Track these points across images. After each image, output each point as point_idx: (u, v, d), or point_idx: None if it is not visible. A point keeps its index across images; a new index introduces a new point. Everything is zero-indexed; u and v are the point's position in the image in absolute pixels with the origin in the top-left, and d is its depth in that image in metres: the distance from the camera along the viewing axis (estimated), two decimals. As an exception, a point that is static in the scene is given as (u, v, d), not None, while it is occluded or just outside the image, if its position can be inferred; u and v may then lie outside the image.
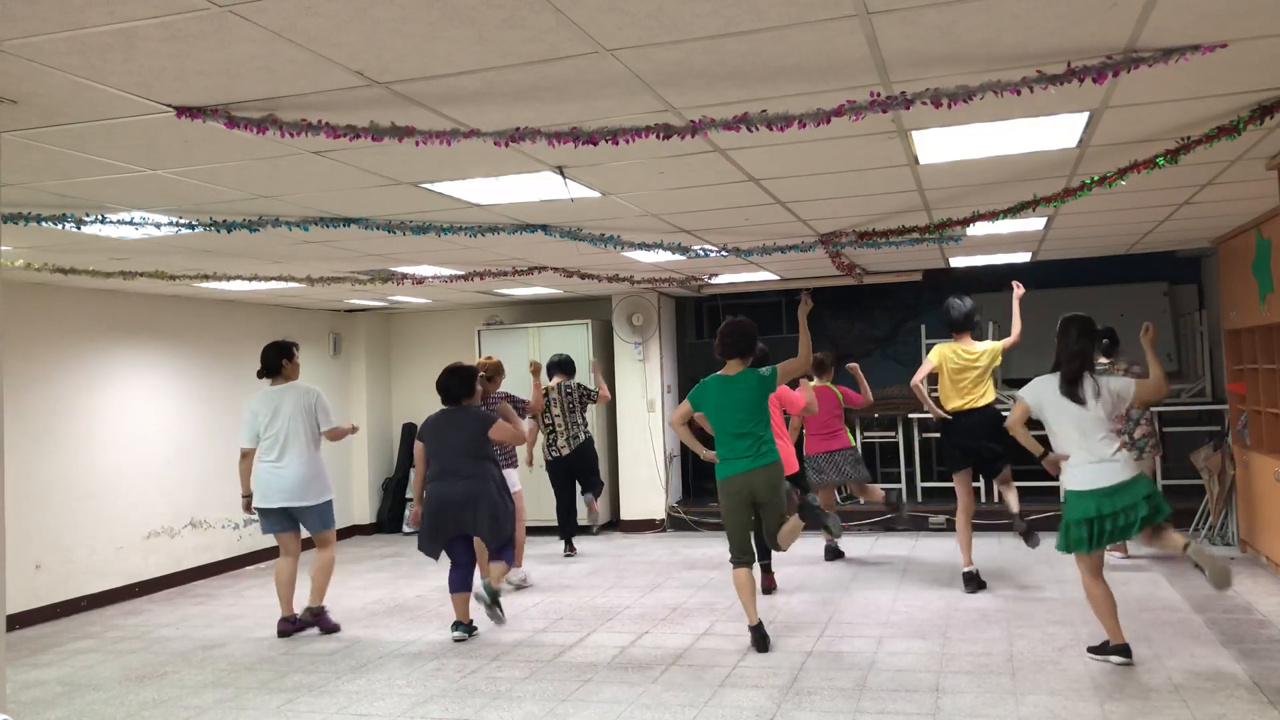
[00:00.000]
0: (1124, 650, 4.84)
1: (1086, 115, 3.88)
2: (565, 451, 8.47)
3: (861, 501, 8.52)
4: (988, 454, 6.61)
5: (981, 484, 8.92)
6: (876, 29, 2.81)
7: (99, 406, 7.69)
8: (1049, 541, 8.15)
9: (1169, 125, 4.06)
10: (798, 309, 5.61)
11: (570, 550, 8.73)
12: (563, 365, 8.67)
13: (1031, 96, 3.30)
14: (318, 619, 6.27)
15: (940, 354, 6.75)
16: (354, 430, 6.70)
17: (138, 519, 7.95)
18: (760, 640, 5.41)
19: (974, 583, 6.57)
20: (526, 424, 7.61)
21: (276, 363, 6.32)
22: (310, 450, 6.21)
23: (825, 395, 7.72)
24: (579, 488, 8.66)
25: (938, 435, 6.98)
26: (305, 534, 6.41)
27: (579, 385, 8.56)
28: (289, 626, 6.23)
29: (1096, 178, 4.91)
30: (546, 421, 8.47)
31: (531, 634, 6.00)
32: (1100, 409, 4.76)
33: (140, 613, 7.24)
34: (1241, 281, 7.23)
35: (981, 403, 6.64)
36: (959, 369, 6.65)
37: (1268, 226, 6.51)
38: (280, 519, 6.22)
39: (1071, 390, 4.79)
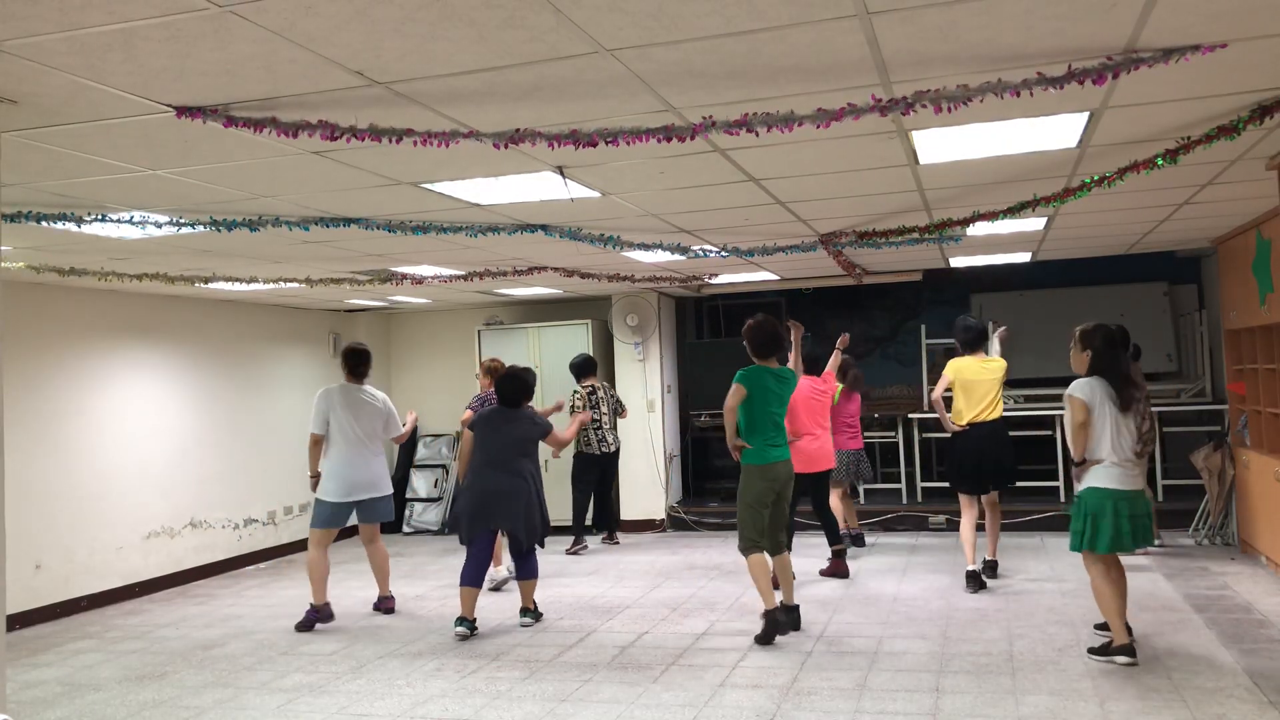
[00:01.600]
0: (1128, 650, 4.84)
1: (1086, 115, 3.88)
2: (611, 450, 8.94)
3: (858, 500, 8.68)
4: (993, 470, 6.74)
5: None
6: (876, 29, 2.81)
7: (99, 407, 7.69)
8: (1056, 542, 8.16)
9: (1169, 125, 4.06)
10: (791, 332, 6.17)
11: (612, 539, 9.19)
12: (594, 365, 9.07)
13: (1031, 96, 3.30)
14: (388, 603, 6.84)
15: (957, 367, 6.89)
16: (415, 422, 7.19)
17: (138, 519, 7.95)
18: (771, 629, 5.52)
19: (975, 581, 6.60)
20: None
21: (365, 367, 6.78)
22: (381, 446, 6.74)
23: (850, 397, 8.22)
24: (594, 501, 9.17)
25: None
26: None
27: (616, 394, 9.13)
28: (314, 616, 6.41)
29: (1096, 178, 4.91)
30: (595, 419, 8.87)
31: (532, 634, 6.00)
32: (1135, 418, 4.91)
33: (140, 613, 7.24)
34: (1241, 281, 7.23)
35: (993, 415, 6.77)
36: (977, 381, 6.79)
37: (1268, 226, 6.51)
38: (344, 513, 6.57)
39: (1125, 397, 4.90)
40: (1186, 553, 7.54)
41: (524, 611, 6.24)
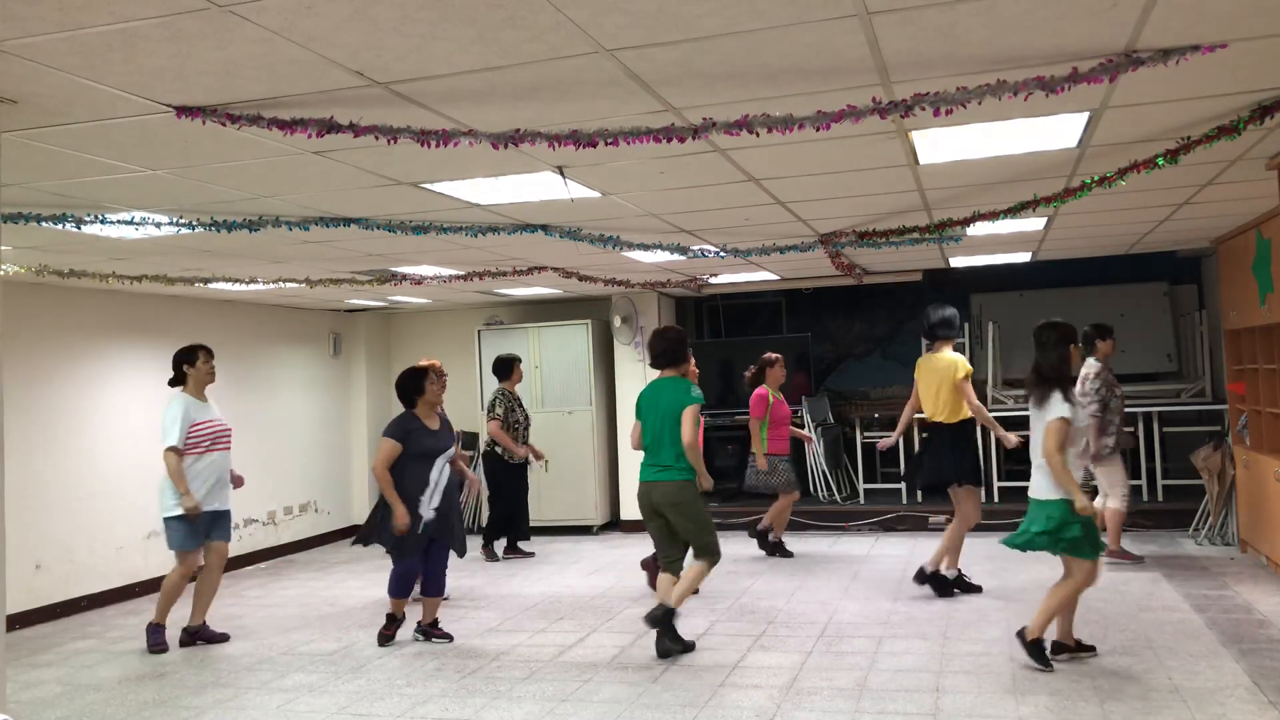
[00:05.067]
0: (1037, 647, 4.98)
1: (1086, 115, 3.88)
2: (515, 461, 8.46)
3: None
4: (951, 474, 6.50)
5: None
6: (876, 29, 2.82)
7: (99, 406, 7.69)
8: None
9: (1169, 125, 4.07)
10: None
11: (512, 552, 8.68)
12: (503, 368, 8.57)
13: (1027, 100, 3.30)
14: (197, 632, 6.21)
15: (918, 365, 6.76)
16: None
17: (138, 519, 7.94)
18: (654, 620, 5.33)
19: (963, 586, 6.54)
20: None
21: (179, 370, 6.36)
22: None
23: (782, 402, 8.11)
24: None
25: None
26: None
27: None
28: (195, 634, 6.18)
29: (1096, 178, 4.91)
30: (514, 425, 8.47)
31: (531, 634, 6.00)
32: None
33: (140, 613, 7.23)
34: (1241, 281, 7.23)
35: (950, 418, 6.45)
36: (926, 380, 6.60)
37: (1268, 226, 6.51)
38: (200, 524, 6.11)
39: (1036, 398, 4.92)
40: (1186, 553, 7.54)
41: (416, 625, 5.94)
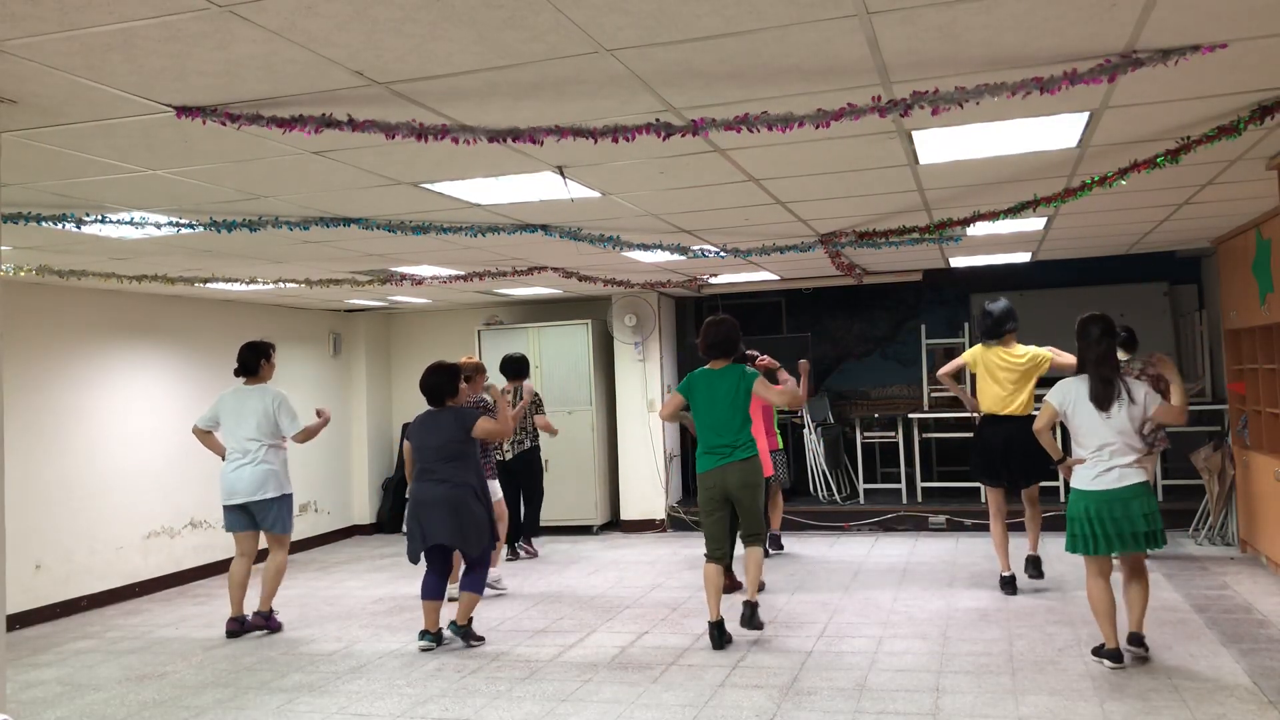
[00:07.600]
0: (1115, 655, 4.83)
1: (1086, 115, 3.88)
2: (508, 456, 8.43)
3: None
4: (1017, 470, 6.45)
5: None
6: (876, 29, 2.82)
7: (99, 406, 7.69)
8: (1056, 542, 8.16)
9: (1169, 125, 4.07)
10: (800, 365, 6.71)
11: (513, 555, 8.60)
12: (519, 367, 8.44)
13: (1024, 99, 3.30)
14: (257, 620, 6.42)
15: (976, 354, 6.64)
16: (324, 421, 6.78)
17: (138, 519, 7.95)
18: (718, 637, 5.46)
19: (1010, 587, 6.45)
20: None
21: (254, 362, 6.53)
22: (269, 448, 6.55)
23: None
24: (522, 502, 8.67)
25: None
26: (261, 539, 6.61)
27: (533, 394, 8.54)
28: (236, 627, 6.31)
29: (1096, 178, 4.91)
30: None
31: (531, 634, 6.00)
32: (1125, 416, 4.74)
33: (140, 613, 7.24)
34: (1241, 281, 7.23)
35: (1019, 411, 6.43)
36: (996, 371, 6.51)
37: (1268, 226, 6.51)
38: (236, 517, 6.33)
39: (1103, 394, 4.76)
40: (1186, 553, 7.54)
41: (451, 625, 5.81)
